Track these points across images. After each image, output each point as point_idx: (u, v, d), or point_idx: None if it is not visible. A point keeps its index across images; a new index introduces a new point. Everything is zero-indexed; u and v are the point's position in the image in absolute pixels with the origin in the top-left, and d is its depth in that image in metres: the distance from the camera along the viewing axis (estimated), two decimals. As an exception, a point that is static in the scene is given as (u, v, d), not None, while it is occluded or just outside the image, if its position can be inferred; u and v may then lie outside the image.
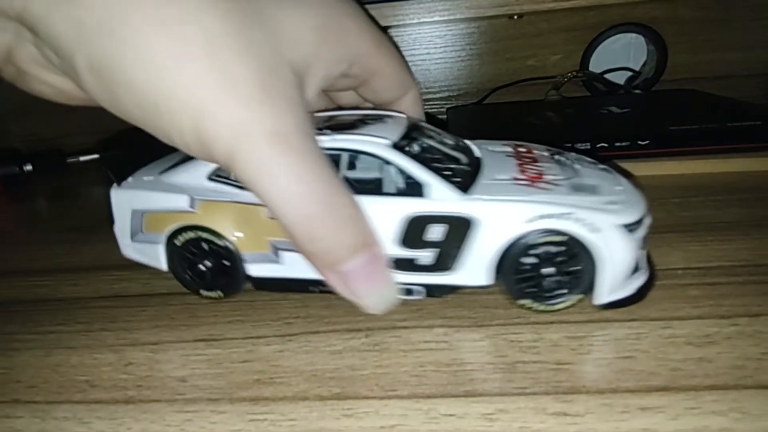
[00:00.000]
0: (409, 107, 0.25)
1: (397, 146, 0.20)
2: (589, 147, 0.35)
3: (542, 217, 0.18)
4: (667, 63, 0.50)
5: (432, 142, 0.22)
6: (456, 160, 0.22)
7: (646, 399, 0.16)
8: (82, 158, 0.50)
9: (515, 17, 0.51)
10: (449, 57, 0.53)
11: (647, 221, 0.20)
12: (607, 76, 0.51)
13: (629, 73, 0.52)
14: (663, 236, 0.26)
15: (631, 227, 0.19)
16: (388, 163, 0.20)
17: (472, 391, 0.17)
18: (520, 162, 0.22)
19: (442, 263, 0.20)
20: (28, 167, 0.45)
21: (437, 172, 0.20)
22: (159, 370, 0.19)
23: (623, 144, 0.35)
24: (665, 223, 0.27)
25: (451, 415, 0.16)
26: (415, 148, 0.21)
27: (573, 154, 0.24)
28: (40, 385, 0.19)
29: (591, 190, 0.20)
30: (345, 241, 0.17)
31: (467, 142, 0.24)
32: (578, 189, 0.20)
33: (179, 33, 0.15)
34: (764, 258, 0.23)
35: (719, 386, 0.16)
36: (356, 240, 0.17)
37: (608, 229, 0.19)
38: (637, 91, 0.49)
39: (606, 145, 0.35)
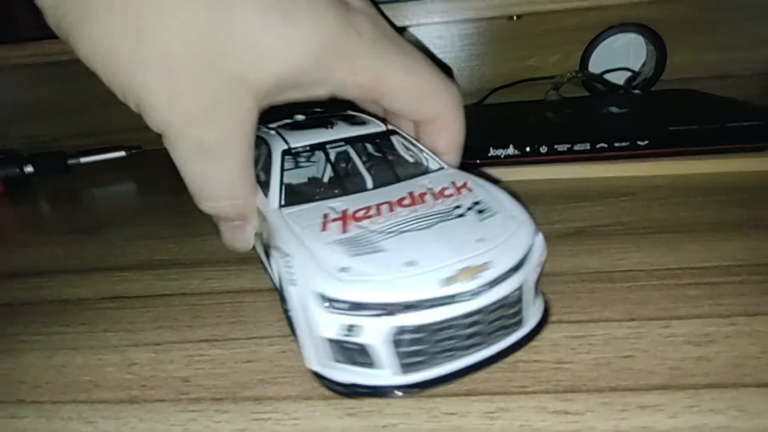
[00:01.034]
0: (438, 131, 0.24)
1: (288, 152, 0.23)
2: (588, 147, 0.35)
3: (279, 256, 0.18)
4: (666, 63, 0.50)
5: (349, 156, 0.24)
6: (344, 180, 0.23)
7: (646, 397, 0.16)
8: (83, 160, 0.50)
9: (514, 18, 0.52)
10: (448, 58, 0.54)
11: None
12: (606, 76, 0.51)
13: (628, 74, 0.52)
14: (662, 236, 0.26)
15: (332, 302, 0.16)
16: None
17: (474, 389, 0.17)
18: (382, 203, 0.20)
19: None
20: (29, 169, 0.46)
21: (281, 183, 0.22)
22: (162, 370, 0.19)
23: (623, 144, 0.35)
24: (664, 223, 0.27)
25: (452, 413, 0.16)
26: (302, 159, 0.25)
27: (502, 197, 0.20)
28: (45, 385, 0.19)
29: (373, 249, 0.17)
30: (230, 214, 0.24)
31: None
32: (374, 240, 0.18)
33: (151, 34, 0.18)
34: (763, 258, 0.23)
35: (718, 384, 0.16)
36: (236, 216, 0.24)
37: (303, 289, 0.16)
38: (637, 92, 0.49)
39: (605, 145, 0.35)
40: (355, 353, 0.16)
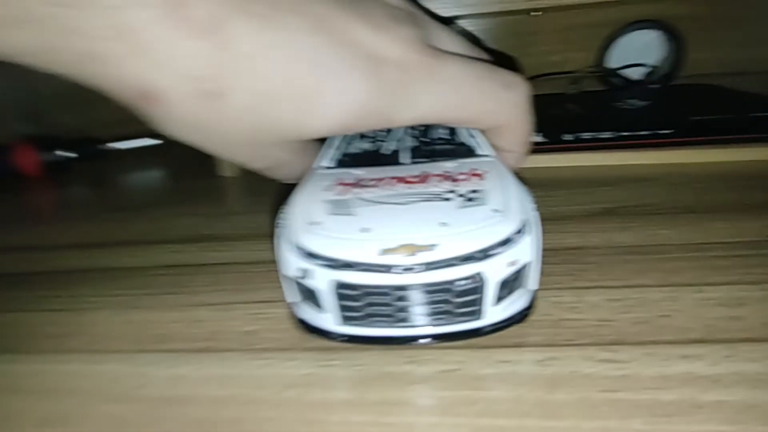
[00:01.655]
0: (501, 134, 0.24)
1: None
2: (612, 135, 0.36)
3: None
4: (684, 60, 0.51)
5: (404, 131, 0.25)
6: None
7: (686, 349, 0.17)
8: (120, 146, 0.52)
9: (534, 13, 0.53)
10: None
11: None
12: (624, 72, 0.52)
13: (647, 69, 0.53)
14: (687, 215, 0.27)
15: (298, 248, 0.18)
16: None
17: (522, 342, 0.18)
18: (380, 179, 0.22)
19: None
20: (70, 153, 0.47)
21: (335, 147, 0.25)
22: (227, 326, 0.21)
23: (646, 133, 0.36)
24: (689, 204, 0.29)
25: (506, 361, 0.17)
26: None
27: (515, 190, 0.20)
28: (117, 338, 0.21)
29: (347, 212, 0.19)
30: None
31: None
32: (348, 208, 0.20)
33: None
34: (790, 234, 0.24)
35: (752, 339, 0.17)
36: None
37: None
38: (656, 86, 0.51)
39: (629, 134, 0.36)
40: (309, 295, 0.19)
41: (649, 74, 0.54)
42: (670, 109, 0.39)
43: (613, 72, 0.52)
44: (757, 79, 0.51)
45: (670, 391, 0.15)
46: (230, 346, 0.19)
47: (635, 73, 0.53)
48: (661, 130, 0.36)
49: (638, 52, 0.53)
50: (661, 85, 0.51)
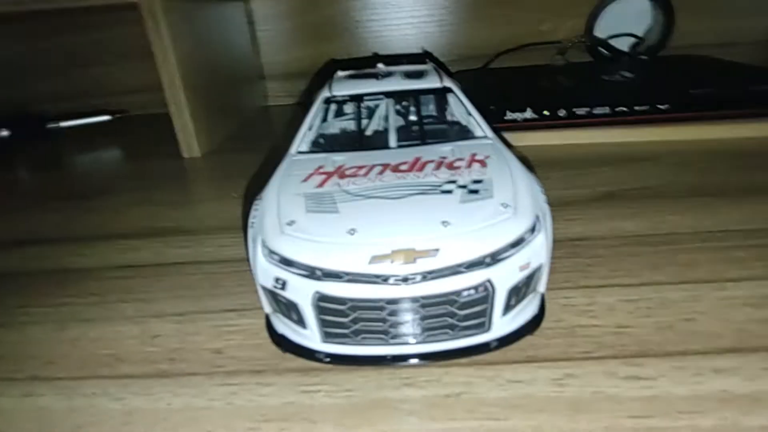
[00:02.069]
0: None
1: (329, 100, 0.23)
2: (608, 111, 0.34)
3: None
4: (673, 29, 0.49)
5: (389, 111, 0.22)
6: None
7: (718, 361, 0.15)
8: (64, 124, 0.47)
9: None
10: (452, 20, 0.51)
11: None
12: (611, 42, 0.50)
13: (635, 40, 0.51)
14: (694, 199, 0.25)
15: (271, 252, 0.16)
16: None
17: (534, 356, 0.16)
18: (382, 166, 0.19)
19: None
20: (4, 132, 0.42)
21: (307, 130, 0.21)
22: (190, 342, 0.18)
23: (643, 108, 0.34)
24: (693, 186, 0.27)
25: (518, 381, 0.15)
26: (348, 109, 0.24)
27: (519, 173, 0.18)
28: (59, 360, 0.18)
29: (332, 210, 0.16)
30: None
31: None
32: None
33: None
34: (802, 219, 0.23)
35: (789, 346, 0.15)
36: None
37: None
38: (644, 57, 0.48)
39: (626, 109, 0.34)
40: (287, 308, 0.16)
41: (636, 45, 0.51)
42: (665, 82, 0.37)
43: (600, 42, 0.50)
44: (746, 50, 0.50)
45: (708, 415, 0.13)
46: (193, 368, 0.17)
47: (623, 44, 0.50)
48: (659, 104, 0.34)
49: (625, 22, 0.50)
50: (650, 55, 0.49)
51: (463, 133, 0.22)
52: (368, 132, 0.22)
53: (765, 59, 0.49)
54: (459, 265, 0.14)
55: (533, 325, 0.17)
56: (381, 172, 0.18)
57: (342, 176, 0.18)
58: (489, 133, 0.21)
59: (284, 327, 0.17)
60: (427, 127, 0.22)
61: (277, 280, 0.15)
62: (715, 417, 0.13)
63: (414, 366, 0.16)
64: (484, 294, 0.15)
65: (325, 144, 0.22)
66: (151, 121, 0.49)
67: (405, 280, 0.14)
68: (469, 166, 0.18)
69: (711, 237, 0.22)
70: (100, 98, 0.51)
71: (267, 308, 0.17)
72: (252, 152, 0.38)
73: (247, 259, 0.17)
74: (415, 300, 0.14)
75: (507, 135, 0.34)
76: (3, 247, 0.26)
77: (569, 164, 0.31)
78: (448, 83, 0.23)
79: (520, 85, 0.41)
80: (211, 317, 0.19)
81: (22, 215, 0.30)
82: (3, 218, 0.30)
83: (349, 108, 0.24)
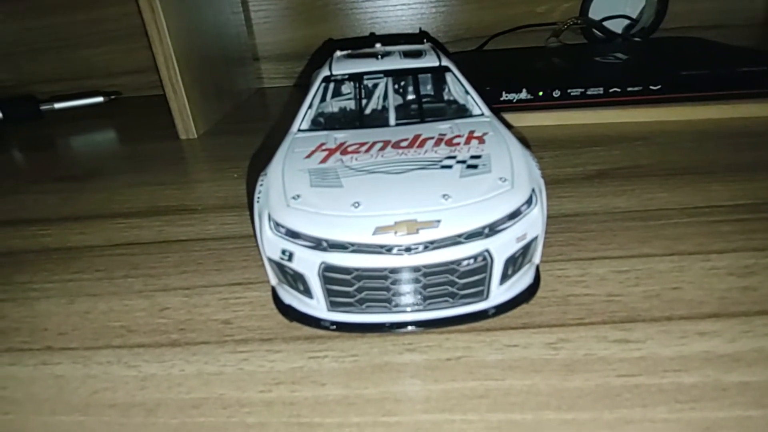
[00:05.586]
0: None
1: (328, 79, 0.23)
2: (602, 92, 0.35)
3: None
4: (666, 11, 0.50)
5: (388, 90, 0.23)
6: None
7: (701, 325, 0.16)
8: (57, 105, 0.47)
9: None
10: (447, 1, 0.51)
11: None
12: (605, 23, 0.50)
13: (628, 22, 0.52)
14: (683, 177, 0.26)
15: (277, 225, 0.16)
16: None
17: (530, 322, 0.17)
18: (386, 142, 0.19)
19: None
20: (-1, 114, 0.42)
21: (308, 108, 0.22)
22: (199, 314, 0.18)
23: (636, 89, 0.34)
24: (682, 165, 0.28)
25: (514, 345, 0.16)
26: (346, 88, 0.24)
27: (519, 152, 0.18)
28: (72, 332, 0.18)
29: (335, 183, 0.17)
30: None
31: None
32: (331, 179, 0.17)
33: None
34: (785, 196, 0.23)
35: (768, 311, 0.16)
36: None
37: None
38: (637, 39, 0.49)
39: (618, 90, 0.35)
40: (293, 279, 0.16)
41: (629, 27, 0.52)
42: (657, 63, 0.38)
43: (594, 24, 0.50)
44: (737, 32, 0.50)
45: (692, 373, 0.14)
46: (203, 338, 0.17)
47: (616, 26, 0.51)
48: (651, 85, 0.34)
49: (621, 3, 0.51)
50: (643, 37, 0.49)
51: (461, 111, 0.22)
52: (368, 110, 0.22)
53: (756, 41, 0.49)
54: (459, 236, 0.15)
55: (529, 294, 0.17)
56: (382, 149, 0.19)
57: (344, 153, 0.18)
58: (486, 111, 0.22)
59: (291, 297, 0.17)
60: (426, 105, 0.22)
61: (283, 252, 0.16)
62: (698, 375, 0.14)
63: (416, 332, 0.16)
64: (483, 263, 0.15)
65: (325, 122, 0.22)
66: (144, 102, 0.49)
67: (408, 250, 0.15)
68: (468, 142, 0.19)
69: (698, 212, 0.23)
70: (93, 80, 0.50)
71: (273, 280, 0.18)
72: (248, 134, 0.38)
73: (252, 235, 0.17)
74: (417, 269, 0.15)
75: (503, 115, 0.35)
76: (3, 226, 0.27)
77: (563, 144, 0.32)
78: (446, 62, 0.23)
79: (515, 66, 0.41)
80: (218, 290, 0.20)
81: (19, 196, 0.31)
82: (1, 199, 0.30)
83: (348, 87, 0.24)
